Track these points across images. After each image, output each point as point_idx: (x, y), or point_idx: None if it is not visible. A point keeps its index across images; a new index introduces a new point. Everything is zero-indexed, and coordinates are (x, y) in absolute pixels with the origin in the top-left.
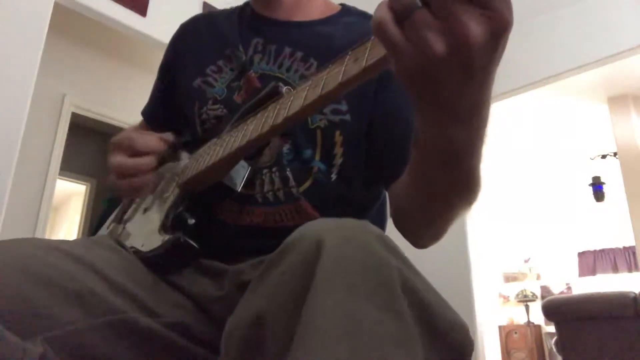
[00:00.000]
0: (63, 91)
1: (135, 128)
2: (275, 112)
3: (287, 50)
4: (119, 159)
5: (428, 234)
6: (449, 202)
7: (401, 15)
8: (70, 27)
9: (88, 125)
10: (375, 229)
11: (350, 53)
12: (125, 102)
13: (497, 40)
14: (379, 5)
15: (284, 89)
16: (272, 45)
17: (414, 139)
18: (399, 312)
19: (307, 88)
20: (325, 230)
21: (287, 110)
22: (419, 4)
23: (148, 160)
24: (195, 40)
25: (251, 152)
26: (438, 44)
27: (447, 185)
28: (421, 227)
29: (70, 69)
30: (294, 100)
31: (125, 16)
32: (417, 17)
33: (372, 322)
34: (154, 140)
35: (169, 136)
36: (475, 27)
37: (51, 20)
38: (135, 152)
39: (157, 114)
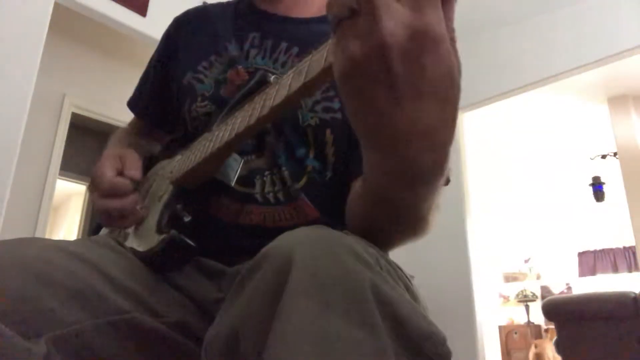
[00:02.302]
0: (63, 91)
1: (116, 143)
2: (262, 102)
3: (284, 45)
4: (100, 203)
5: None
6: (386, 233)
7: (337, 18)
8: (70, 27)
9: (88, 125)
10: (349, 239)
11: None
12: (125, 102)
13: (421, 49)
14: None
15: (272, 77)
16: (269, 40)
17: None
18: (372, 325)
19: (292, 76)
20: (297, 243)
21: (272, 100)
22: (353, 8)
23: (129, 201)
24: (188, 34)
25: (242, 145)
26: (355, 45)
27: (382, 213)
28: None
29: (70, 69)
30: (279, 89)
31: (125, 16)
32: (346, 22)
33: (343, 337)
34: (120, 183)
35: (134, 172)
36: (393, 27)
37: (51, 20)
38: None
39: (151, 110)
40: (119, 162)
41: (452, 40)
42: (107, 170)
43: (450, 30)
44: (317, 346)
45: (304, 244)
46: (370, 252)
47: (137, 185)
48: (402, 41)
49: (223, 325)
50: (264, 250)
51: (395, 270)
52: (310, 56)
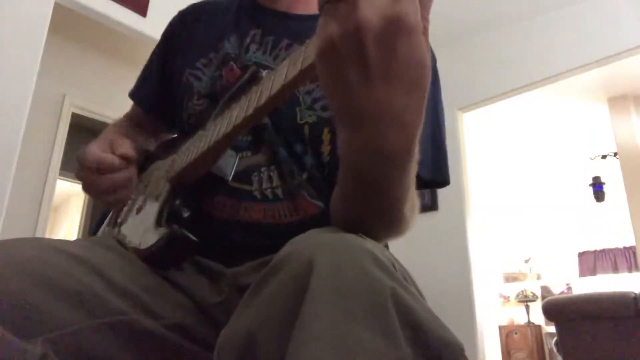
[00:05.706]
0: (63, 91)
1: (110, 130)
2: (258, 93)
3: (285, 42)
4: (90, 178)
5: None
6: (364, 225)
7: (322, 1)
8: (70, 27)
9: (88, 125)
10: (369, 244)
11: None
12: (125, 102)
13: (394, 35)
14: None
15: (264, 73)
16: (270, 36)
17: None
18: (392, 333)
19: (288, 65)
20: (316, 247)
21: (269, 90)
22: None
23: (119, 176)
24: (191, 29)
25: (238, 142)
26: (333, 26)
27: (359, 204)
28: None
29: (70, 69)
30: (275, 79)
31: (125, 16)
32: (328, 5)
33: (364, 345)
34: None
35: (126, 150)
36: (370, 13)
37: (51, 20)
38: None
39: (152, 98)
40: (108, 145)
41: (425, 29)
42: (93, 148)
43: (425, 20)
44: (338, 354)
45: (324, 248)
46: (387, 257)
47: (130, 163)
48: (377, 27)
49: (238, 328)
50: (281, 253)
51: (408, 273)
52: (305, 46)
